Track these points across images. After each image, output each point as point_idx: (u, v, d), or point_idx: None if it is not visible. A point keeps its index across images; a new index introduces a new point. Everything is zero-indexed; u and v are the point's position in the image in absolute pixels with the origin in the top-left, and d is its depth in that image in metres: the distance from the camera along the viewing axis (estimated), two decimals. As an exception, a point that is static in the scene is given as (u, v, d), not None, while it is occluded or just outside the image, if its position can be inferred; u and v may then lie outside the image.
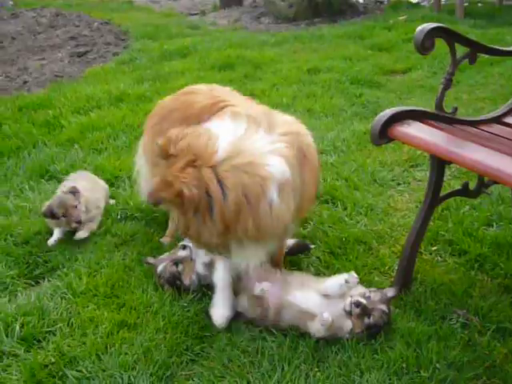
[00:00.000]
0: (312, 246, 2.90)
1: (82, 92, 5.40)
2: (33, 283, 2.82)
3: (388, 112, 2.31)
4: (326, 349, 2.27)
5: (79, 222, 3.06)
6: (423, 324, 2.38)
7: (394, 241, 2.99)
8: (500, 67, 5.70)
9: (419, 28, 2.30)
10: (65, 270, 2.84)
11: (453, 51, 2.40)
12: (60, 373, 2.24)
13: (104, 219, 3.26)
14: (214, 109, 2.45)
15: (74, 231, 3.10)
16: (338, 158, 3.91)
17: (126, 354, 2.30)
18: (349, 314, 2.29)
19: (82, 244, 3.05)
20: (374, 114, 4.56)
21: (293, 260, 2.83)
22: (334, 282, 2.37)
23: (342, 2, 9.06)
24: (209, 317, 2.44)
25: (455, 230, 3.01)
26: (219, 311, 2.42)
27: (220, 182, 2.01)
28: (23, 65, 6.79)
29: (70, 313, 2.55)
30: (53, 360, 2.28)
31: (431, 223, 2.82)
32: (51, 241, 3.07)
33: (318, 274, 2.69)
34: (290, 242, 2.78)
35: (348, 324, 2.30)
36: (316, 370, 2.19)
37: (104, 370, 2.22)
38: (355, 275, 2.36)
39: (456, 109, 2.48)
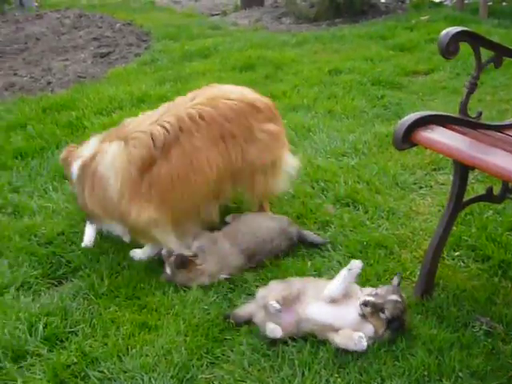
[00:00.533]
0: (327, 240, 3.00)
1: (105, 93, 5.44)
2: (56, 283, 2.87)
3: (411, 117, 2.29)
4: (346, 355, 2.25)
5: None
6: (445, 331, 2.35)
7: (415, 245, 2.96)
8: (525, 69, 5.59)
9: (443, 32, 2.28)
10: (87, 270, 2.88)
11: (477, 55, 2.37)
12: (82, 373, 2.27)
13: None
14: None
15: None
16: (360, 161, 3.89)
17: (147, 355, 2.32)
18: (363, 316, 2.28)
19: (104, 245, 3.09)
20: (395, 115, 4.53)
21: (314, 264, 2.83)
22: (332, 284, 2.37)
23: (364, 2, 8.96)
24: None
25: (478, 235, 2.97)
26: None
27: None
28: (47, 65, 6.86)
29: (92, 313, 2.59)
30: (75, 360, 2.32)
31: (454, 228, 2.78)
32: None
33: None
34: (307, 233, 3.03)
35: (369, 328, 2.29)
36: (336, 375, 2.18)
37: (125, 372, 2.25)
38: (357, 261, 2.39)
39: (480, 113, 2.45)
